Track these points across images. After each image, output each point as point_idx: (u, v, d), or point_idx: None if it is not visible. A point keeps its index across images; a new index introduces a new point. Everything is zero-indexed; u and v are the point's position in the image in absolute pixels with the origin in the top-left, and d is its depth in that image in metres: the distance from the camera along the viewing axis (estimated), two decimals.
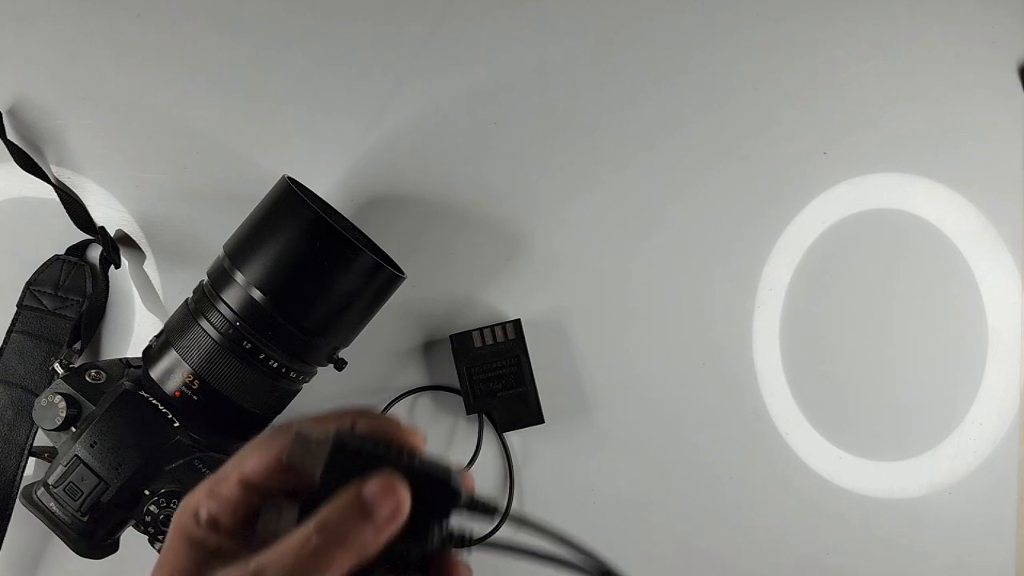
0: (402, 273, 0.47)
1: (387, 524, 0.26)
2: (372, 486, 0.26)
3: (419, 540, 0.26)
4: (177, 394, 0.44)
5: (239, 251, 0.45)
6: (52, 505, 0.43)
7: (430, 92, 0.54)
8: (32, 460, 0.53)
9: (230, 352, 0.44)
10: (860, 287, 0.54)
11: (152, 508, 0.42)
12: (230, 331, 0.44)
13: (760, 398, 0.54)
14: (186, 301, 0.47)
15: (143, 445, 0.42)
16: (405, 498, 0.26)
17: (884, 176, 0.55)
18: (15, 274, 0.54)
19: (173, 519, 0.28)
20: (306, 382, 0.48)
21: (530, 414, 0.52)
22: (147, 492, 0.43)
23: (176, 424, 0.43)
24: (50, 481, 0.43)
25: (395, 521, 0.26)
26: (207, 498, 0.27)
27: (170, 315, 0.47)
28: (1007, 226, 0.54)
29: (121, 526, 0.45)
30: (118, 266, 0.54)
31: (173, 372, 0.45)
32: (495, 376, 0.52)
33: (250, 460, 0.27)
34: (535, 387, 0.52)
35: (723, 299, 0.54)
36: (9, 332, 0.53)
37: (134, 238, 0.55)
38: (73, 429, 0.44)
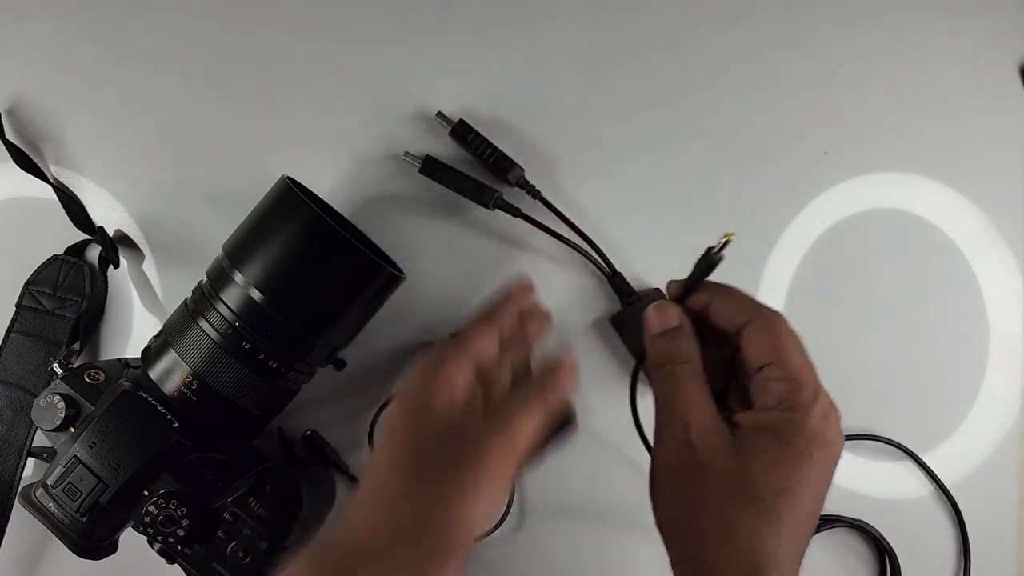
0: (402, 273, 0.47)
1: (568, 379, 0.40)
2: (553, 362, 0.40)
3: None
4: (176, 395, 0.44)
5: (238, 251, 0.45)
6: (51, 506, 0.43)
7: (430, 91, 0.54)
8: (31, 461, 0.53)
9: (229, 353, 0.44)
10: (861, 287, 0.54)
11: (151, 509, 0.42)
12: (229, 331, 0.44)
13: None
14: (185, 301, 0.47)
15: (142, 446, 0.42)
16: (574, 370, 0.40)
17: (884, 176, 0.54)
18: (14, 274, 0.54)
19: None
20: (305, 382, 0.48)
21: None
22: (146, 493, 0.43)
23: (175, 425, 0.43)
24: (49, 482, 0.42)
25: (572, 379, 0.40)
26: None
27: (169, 315, 0.47)
28: (1008, 226, 0.54)
29: (120, 527, 0.45)
30: (117, 266, 0.54)
31: (172, 373, 0.44)
32: None
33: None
34: None
35: None
36: (8, 332, 0.53)
37: (133, 238, 0.55)
38: (72, 429, 0.44)
